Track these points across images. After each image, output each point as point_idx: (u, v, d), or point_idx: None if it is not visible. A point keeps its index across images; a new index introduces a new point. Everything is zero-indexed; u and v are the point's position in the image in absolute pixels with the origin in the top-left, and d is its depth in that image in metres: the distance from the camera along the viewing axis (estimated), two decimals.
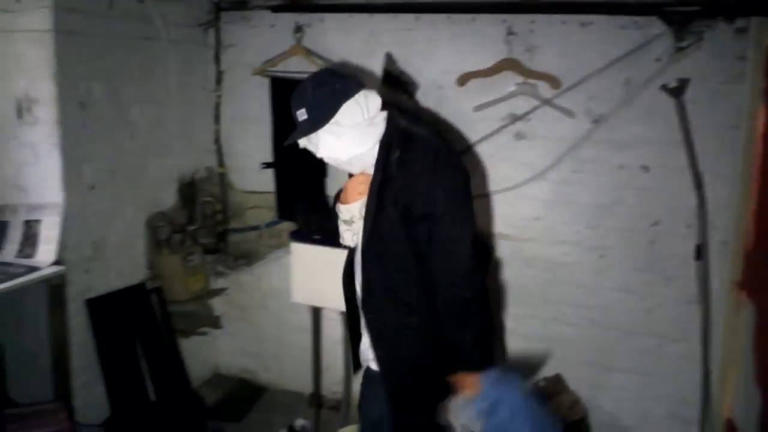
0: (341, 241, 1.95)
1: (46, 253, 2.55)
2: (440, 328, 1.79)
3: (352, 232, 1.90)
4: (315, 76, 1.80)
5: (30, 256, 2.56)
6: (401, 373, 1.89)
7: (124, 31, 2.76)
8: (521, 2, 2.66)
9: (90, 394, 2.74)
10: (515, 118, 2.77)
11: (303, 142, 1.81)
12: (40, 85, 2.49)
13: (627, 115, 2.62)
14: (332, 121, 1.73)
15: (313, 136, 1.77)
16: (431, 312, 1.79)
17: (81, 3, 2.53)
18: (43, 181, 2.57)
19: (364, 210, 1.83)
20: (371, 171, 1.81)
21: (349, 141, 1.76)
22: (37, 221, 2.58)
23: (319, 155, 1.81)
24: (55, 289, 2.58)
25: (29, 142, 2.55)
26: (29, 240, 2.58)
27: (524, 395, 1.71)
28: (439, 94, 2.88)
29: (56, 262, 2.55)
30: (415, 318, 1.82)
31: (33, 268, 2.47)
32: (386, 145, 1.78)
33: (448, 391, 1.76)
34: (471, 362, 1.77)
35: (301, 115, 1.76)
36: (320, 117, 1.73)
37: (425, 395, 1.84)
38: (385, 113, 1.81)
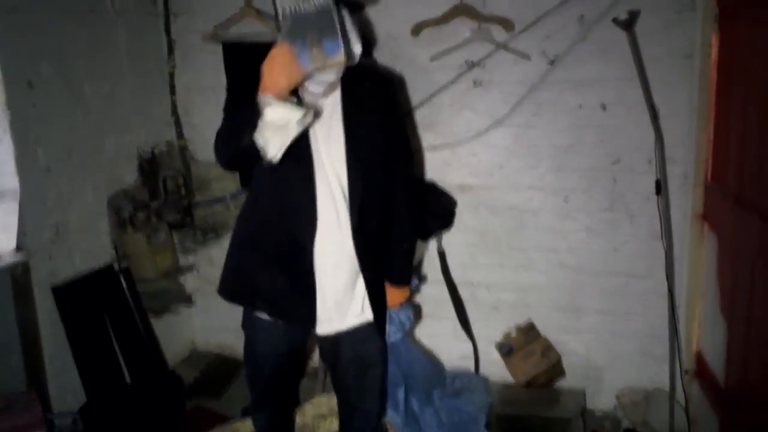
0: (264, 152, 1.56)
1: (5, 241, 2.50)
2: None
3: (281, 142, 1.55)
4: None
5: None
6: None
7: (69, 5, 2.66)
8: None
9: (64, 382, 2.70)
10: (472, 65, 2.73)
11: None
12: None
13: (582, 53, 2.60)
14: None
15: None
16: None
17: None
18: None
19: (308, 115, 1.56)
20: None
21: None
22: None
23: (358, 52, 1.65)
24: (18, 277, 2.53)
25: None
26: None
27: None
28: (394, 45, 2.82)
29: (17, 250, 2.49)
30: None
31: None
32: None
33: None
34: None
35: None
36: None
37: None
38: None
